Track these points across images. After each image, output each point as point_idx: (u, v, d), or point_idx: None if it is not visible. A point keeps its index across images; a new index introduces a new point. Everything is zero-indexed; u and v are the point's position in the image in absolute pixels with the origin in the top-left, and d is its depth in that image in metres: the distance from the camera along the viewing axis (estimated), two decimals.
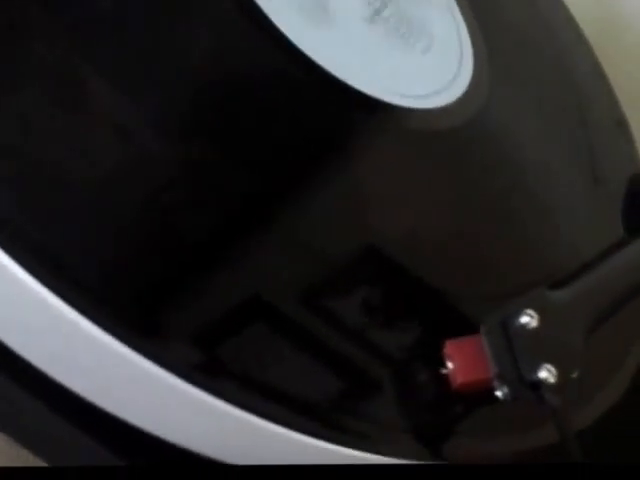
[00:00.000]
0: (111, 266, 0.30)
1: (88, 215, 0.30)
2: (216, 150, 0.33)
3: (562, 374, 0.31)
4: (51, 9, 0.32)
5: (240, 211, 0.33)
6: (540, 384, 0.31)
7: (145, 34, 0.34)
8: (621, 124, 0.48)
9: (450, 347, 0.32)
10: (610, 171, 0.45)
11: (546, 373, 0.31)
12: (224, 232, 0.32)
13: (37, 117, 0.30)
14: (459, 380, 0.31)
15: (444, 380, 0.32)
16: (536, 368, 0.31)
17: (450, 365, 0.32)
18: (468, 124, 0.39)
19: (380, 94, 0.37)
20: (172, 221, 0.31)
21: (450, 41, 0.41)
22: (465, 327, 0.33)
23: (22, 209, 0.29)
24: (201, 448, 0.31)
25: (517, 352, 0.31)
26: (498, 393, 0.31)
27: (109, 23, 0.33)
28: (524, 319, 0.32)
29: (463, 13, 0.42)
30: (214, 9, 0.35)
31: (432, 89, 0.39)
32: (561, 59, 0.48)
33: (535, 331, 0.32)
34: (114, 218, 0.30)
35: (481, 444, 0.34)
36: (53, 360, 0.30)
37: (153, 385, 0.29)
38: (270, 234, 0.33)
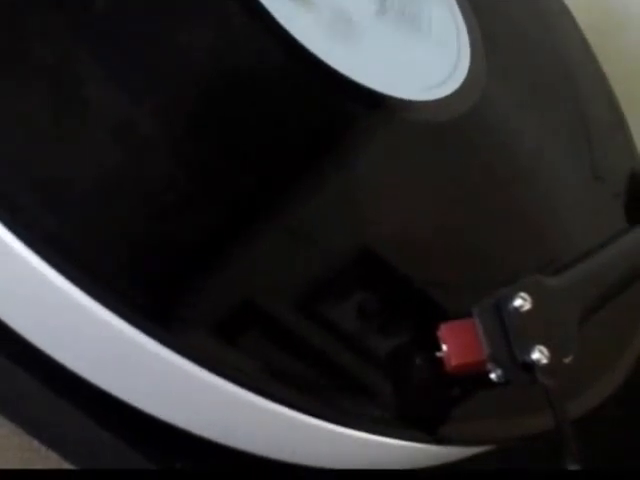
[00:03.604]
0: (126, 257, 0.30)
1: (100, 207, 0.30)
2: (224, 144, 0.34)
3: (555, 356, 0.31)
4: (52, 9, 0.32)
5: (249, 202, 0.33)
6: (533, 365, 0.31)
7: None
8: (619, 120, 0.48)
9: (444, 330, 0.32)
10: (608, 164, 0.46)
11: (539, 354, 0.31)
12: (226, 227, 0.33)
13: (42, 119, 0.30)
14: (453, 362, 0.32)
15: (439, 363, 0.32)
16: (529, 349, 0.31)
17: (444, 348, 0.32)
18: (466, 116, 0.40)
19: (379, 86, 0.37)
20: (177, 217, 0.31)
21: (447, 33, 0.42)
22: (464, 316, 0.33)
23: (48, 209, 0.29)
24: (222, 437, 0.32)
25: (510, 334, 0.31)
26: (492, 376, 0.32)
27: (109, 22, 0.33)
28: (517, 302, 0.32)
29: (461, 7, 0.43)
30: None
31: (430, 81, 0.40)
32: (558, 54, 0.48)
33: (528, 313, 0.32)
34: (127, 211, 0.31)
35: (478, 427, 0.34)
36: (76, 355, 0.31)
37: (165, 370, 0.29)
38: (273, 220, 0.33)
